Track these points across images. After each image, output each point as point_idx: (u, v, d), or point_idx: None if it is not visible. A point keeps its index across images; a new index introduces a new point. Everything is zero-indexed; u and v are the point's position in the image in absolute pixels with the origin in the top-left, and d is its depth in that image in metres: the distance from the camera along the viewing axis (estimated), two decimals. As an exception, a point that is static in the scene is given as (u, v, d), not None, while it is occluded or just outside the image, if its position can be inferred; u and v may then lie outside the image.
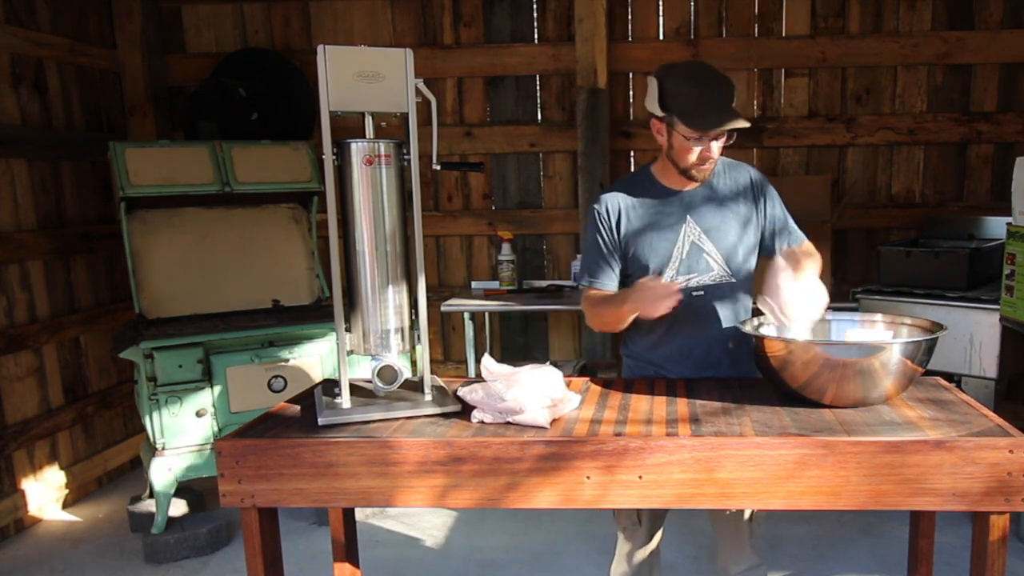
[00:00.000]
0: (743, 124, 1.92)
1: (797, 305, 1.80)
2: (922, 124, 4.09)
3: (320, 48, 1.65)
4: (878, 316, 1.99)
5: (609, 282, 2.09)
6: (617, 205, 2.07)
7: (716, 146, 1.95)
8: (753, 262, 2.12)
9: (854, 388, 1.67)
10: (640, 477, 1.53)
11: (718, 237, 2.05)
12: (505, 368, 1.73)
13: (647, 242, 2.05)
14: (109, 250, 3.96)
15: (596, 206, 2.09)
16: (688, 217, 2.04)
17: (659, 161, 2.09)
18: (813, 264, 1.96)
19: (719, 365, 2.10)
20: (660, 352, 2.10)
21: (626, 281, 2.11)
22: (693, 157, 1.96)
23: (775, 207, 2.11)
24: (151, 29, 4.20)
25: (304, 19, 4.27)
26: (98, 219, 3.93)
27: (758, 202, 2.09)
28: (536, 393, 1.65)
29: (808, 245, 2.11)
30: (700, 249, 2.04)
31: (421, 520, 3.44)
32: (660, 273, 2.03)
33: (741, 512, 2.12)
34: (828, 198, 3.73)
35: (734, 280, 2.07)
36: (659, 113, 1.97)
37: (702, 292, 2.05)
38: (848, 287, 3.69)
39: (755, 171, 2.14)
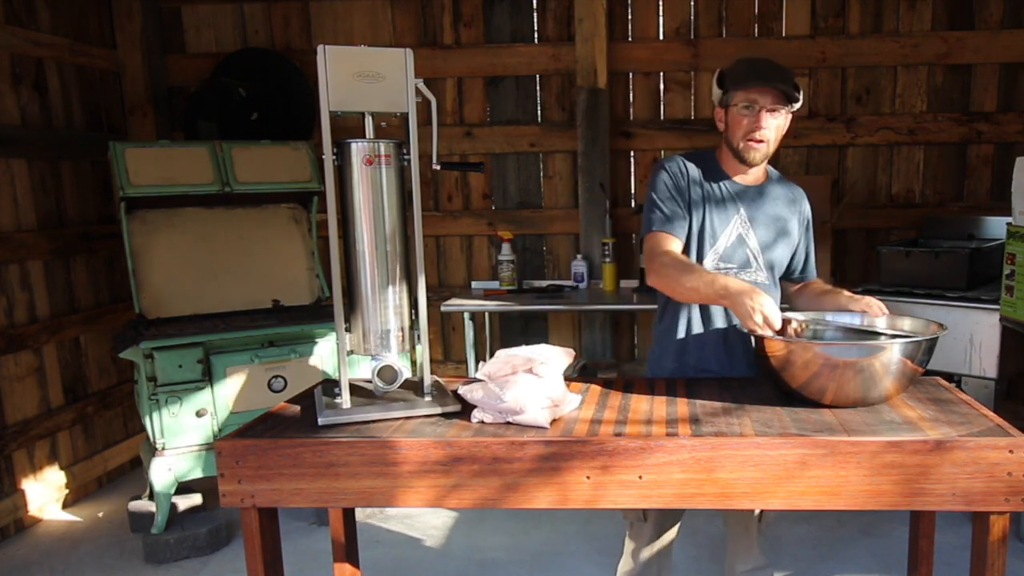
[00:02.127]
0: (789, 89, 1.96)
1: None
2: (922, 124, 4.09)
3: (320, 48, 1.65)
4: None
5: (681, 231, 2.04)
6: (688, 169, 2.08)
7: (768, 123, 1.97)
8: (783, 273, 2.18)
9: (854, 388, 1.67)
10: (640, 477, 1.53)
11: (763, 236, 2.08)
12: (500, 360, 1.72)
13: (698, 219, 2.06)
14: (109, 250, 3.96)
15: (670, 163, 2.09)
16: (741, 209, 2.08)
17: (720, 150, 2.13)
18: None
19: (734, 356, 2.12)
20: (697, 340, 2.11)
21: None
22: (743, 130, 1.98)
23: (810, 237, 2.21)
24: (151, 29, 4.21)
25: (304, 19, 4.27)
26: (98, 219, 3.93)
27: (803, 225, 2.17)
28: (536, 393, 1.64)
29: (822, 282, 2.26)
30: (744, 242, 2.07)
31: (421, 520, 3.45)
32: (702, 255, 2.06)
33: (750, 511, 2.12)
34: (828, 198, 3.73)
35: (767, 282, 2.10)
36: (717, 91, 2.05)
37: None
38: (848, 287, 3.68)
39: (808, 203, 2.21)
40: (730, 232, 2.07)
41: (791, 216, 2.13)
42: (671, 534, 2.20)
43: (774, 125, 2.00)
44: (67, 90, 3.80)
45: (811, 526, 3.28)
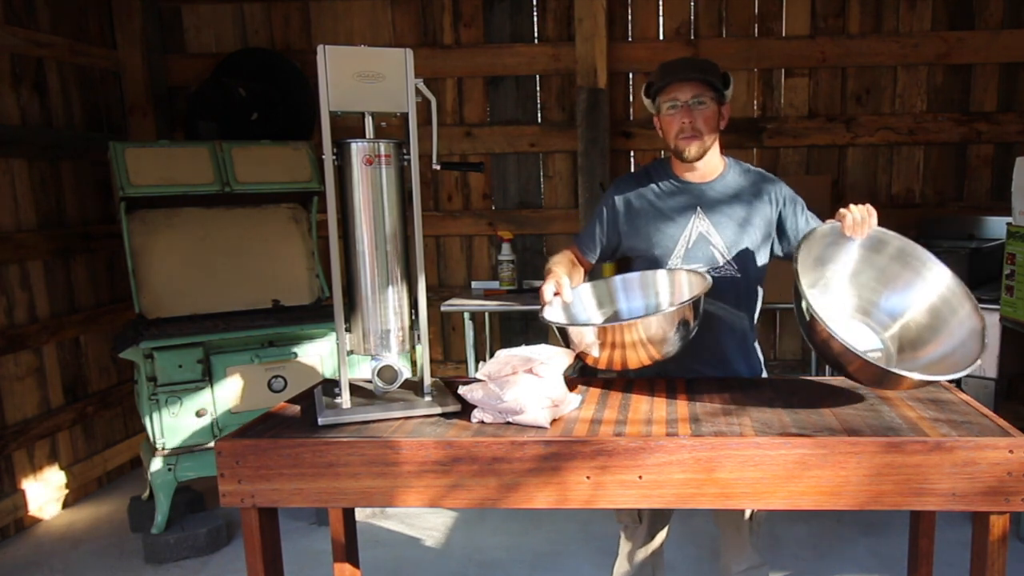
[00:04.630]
0: (707, 77, 1.99)
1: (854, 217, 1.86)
2: (922, 124, 4.09)
3: (320, 48, 1.65)
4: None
5: (589, 252, 2.23)
6: (626, 196, 2.14)
7: (695, 116, 2.00)
8: (762, 263, 2.13)
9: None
10: (640, 477, 1.53)
11: (727, 232, 2.07)
12: (500, 360, 1.72)
13: (654, 228, 2.09)
14: (109, 250, 3.96)
15: (611, 191, 2.18)
16: (699, 208, 2.07)
17: (671, 155, 2.15)
18: None
19: (722, 357, 2.11)
20: None
21: (631, 260, 2.20)
22: (674, 129, 2.03)
23: (801, 219, 2.12)
24: (151, 29, 4.21)
25: (304, 19, 4.27)
26: (98, 219, 3.93)
27: (782, 212, 2.11)
28: (536, 393, 1.64)
29: None
30: (707, 241, 2.06)
31: (421, 520, 3.45)
32: (661, 260, 2.09)
33: (741, 511, 2.13)
34: (828, 198, 3.73)
35: (738, 276, 2.07)
36: (647, 102, 2.10)
37: None
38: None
39: (785, 186, 2.15)
40: (690, 233, 2.07)
41: (758, 205, 2.09)
42: (663, 534, 2.22)
43: (701, 117, 2.00)
44: (67, 90, 3.80)
45: (811, 526, 3.28)
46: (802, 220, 2.12)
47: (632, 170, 4.30)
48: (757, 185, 2.12)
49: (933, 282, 1.87)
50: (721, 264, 2.06)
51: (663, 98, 2.03)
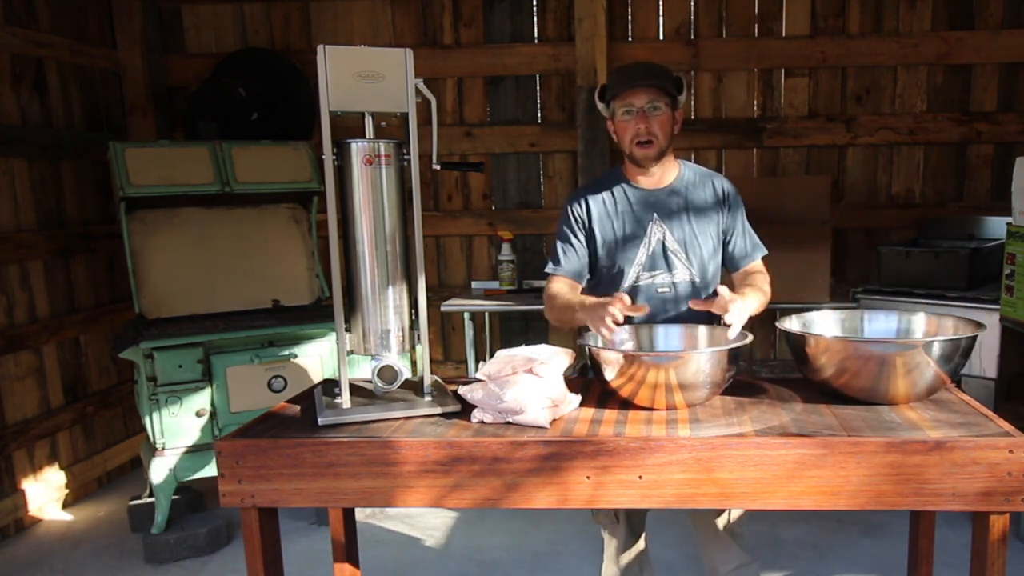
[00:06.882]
0: (661, 83, 2.00)
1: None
2: (922, 124, 4.09)
3: (320, 48, 1.65)
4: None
5: (574, 269, 2.15)
6: (587, 205, 2.14)
7: (650, 122, 2.01)
8: (717, 265, 2.17)
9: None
10: (640, 477, 1.54)
11: (685, 238, 2.09)
12: (501, 360, 1.72)
13: (615, 238, 2.10)
14: (109, 250, 3.96)
15: (569, 204, 2.17)
16: (656, 216, 2.09)
17: (624, 163, 2.16)
18: (753, 291, 2.03)
19: None
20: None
21: (594, 273, 2.18)
22: (629, 135, 2.03)
23: (737, 220, 2.17)
24: (151, 29, 4.21)
25: (304, 19, 4.27)
26: (98, 219, 3.93)
27: (724, 211, 2.15)
28: (536, 393, 1.65)
29: (759, 264, 2.19)
30: (666, 248, 2.08)
31: (421, 520, 3.45)
32: (623, 270, 2.09)
33: (715, 518, 2.14)
34: (828, 198, 3.73)
35: (698, 280, 2.11)
36: (601, 106, 2.10)
37: (667, 290, 2.09)
38: (848, 287, 3.69)
39: (727, 182, 2.19)
40: (648, 240, 2.08)
41: (712, 207, 2.12)
42: (644, 532, 2.22)
43: (657, 122, 2.02)
44: (67, 90, 3.80)
45: (811, 526, 3.28)
46: (740, 228, 2.17)
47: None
48: (710, 187, 2.15)
49: None
50: (679, 269, 2.09)
51: (618, 103, 2.04)
